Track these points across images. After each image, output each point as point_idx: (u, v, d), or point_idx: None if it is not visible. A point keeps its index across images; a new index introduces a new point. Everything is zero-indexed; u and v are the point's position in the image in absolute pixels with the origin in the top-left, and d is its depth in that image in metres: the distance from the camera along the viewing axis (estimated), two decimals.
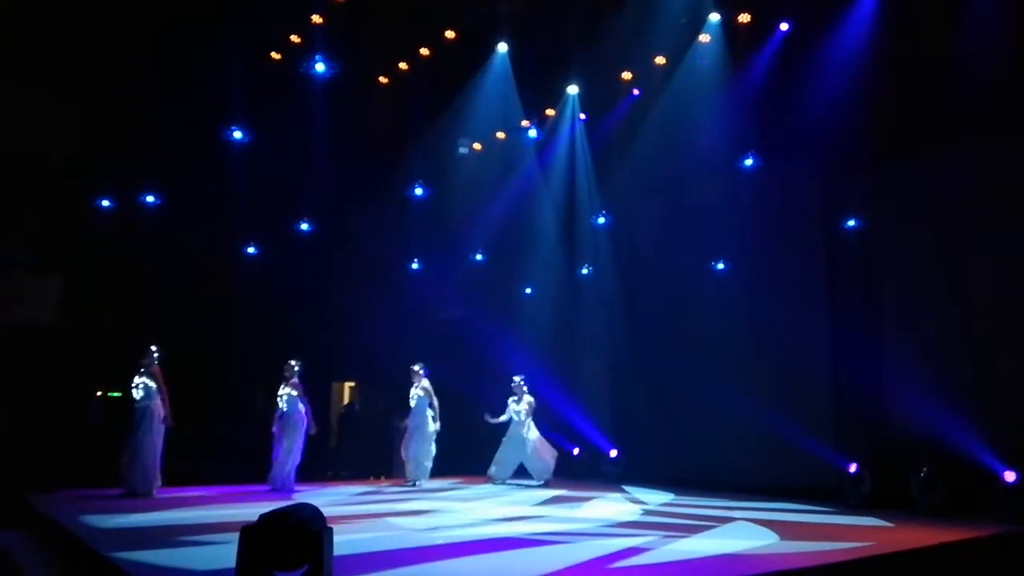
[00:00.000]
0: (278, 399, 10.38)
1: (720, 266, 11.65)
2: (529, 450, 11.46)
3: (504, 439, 11.65)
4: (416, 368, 11.21)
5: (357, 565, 5.23)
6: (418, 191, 13.19)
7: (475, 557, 5.75)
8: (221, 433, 11.96)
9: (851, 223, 10.23)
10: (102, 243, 11.58)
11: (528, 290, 14.60)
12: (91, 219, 11.51)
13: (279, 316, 12.65)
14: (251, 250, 12.53)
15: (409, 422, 11.20)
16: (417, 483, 11.04)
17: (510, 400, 11.67)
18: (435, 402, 11.17)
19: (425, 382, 11.17)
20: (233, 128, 11.23)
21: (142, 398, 9.46)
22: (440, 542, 6.35)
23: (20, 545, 6.72)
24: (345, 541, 5.67)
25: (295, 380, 10.42)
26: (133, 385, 9.47)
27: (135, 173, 11.35)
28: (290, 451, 10.20)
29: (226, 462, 11.32)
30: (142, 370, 9.51)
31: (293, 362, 10.52)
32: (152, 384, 9.50)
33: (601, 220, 13.62)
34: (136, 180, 11.43)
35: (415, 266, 13.87)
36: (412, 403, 11.14)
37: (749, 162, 11.17)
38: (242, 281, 12.41)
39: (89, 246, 11.52)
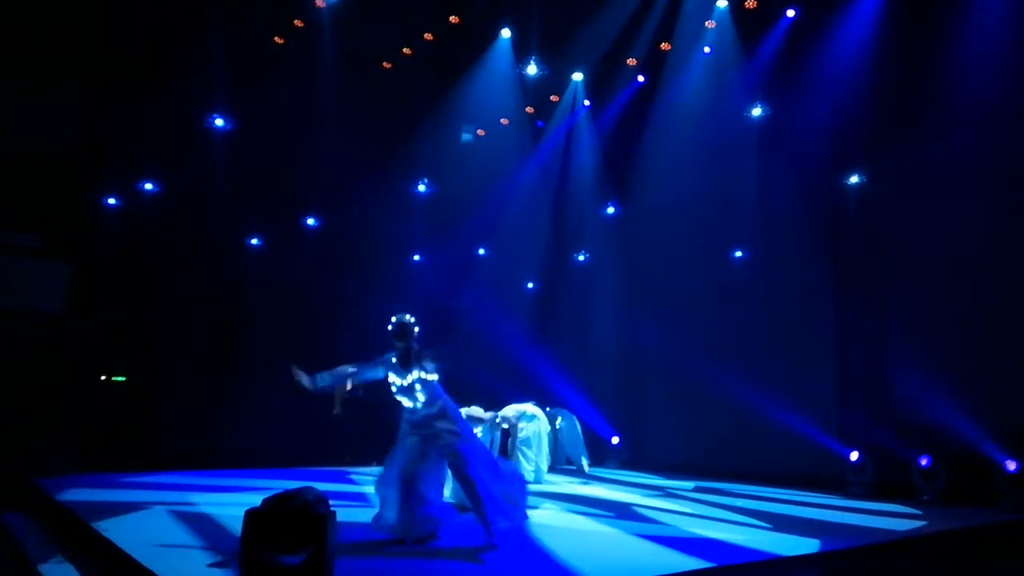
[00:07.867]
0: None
1: (727, 254, 11.66)
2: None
3: None
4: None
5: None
6: (421, 187, 13.16)
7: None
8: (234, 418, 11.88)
9: (855, 210, 10.23)
10: (112, 230, 11.53)
11: (530, 285, 14.56)
12: (101, 206, 11.47)
13: (283, 303, 12.62)
14: (254, 241, 12.50)
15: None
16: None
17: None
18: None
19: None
20: (235, 115, 11.23)
21: (425, 404, 5.54)
22: None
23: (24, 526, 6.75)
24: None
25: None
26: (403, 386, 5.58)
27: (145, 160, 11.32)
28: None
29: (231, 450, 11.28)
30: (415, 359, 5.55)
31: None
32: (433, 378, 5.55)
33: (610, 210, 13.60)
34: (145, 167, 11.40)
35: (417, 258, 13.83)
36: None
37: (750, 159, 11.25)
38: (246, 269, 12.37)
39: (99, 233, 11.48)
